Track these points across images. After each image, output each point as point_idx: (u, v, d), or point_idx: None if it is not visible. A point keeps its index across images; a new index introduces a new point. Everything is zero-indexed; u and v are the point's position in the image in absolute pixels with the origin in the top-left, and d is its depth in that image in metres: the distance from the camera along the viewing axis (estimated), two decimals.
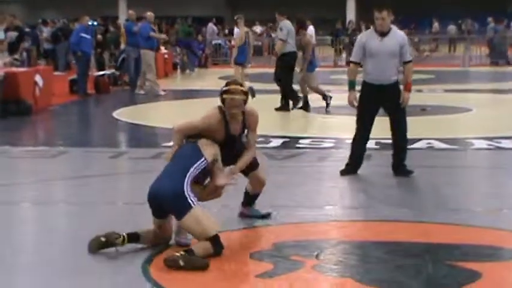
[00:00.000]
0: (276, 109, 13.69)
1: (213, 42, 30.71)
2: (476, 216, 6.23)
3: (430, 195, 7.13)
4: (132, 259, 5.03)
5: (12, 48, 17.52)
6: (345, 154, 9.50)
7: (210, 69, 27.78)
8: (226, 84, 5.37)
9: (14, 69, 14.50)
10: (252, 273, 4.72)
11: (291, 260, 5.00)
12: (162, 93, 16.89)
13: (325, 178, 8.14)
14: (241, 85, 5.40)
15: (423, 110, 13.98)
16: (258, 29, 34.68)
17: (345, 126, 12.42)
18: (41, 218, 6.49)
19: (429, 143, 9.86)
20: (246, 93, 5.35)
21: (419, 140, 10.06)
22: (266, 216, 5.87)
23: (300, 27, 13.98)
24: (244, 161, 5.47)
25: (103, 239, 5.11)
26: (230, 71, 26.82)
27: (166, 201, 5.06)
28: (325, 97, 13.90)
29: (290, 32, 13.66)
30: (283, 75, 13.76)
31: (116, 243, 5.09)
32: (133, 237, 5.20)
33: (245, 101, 5.35)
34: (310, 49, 13.81)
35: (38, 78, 14.17)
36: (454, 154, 9.41)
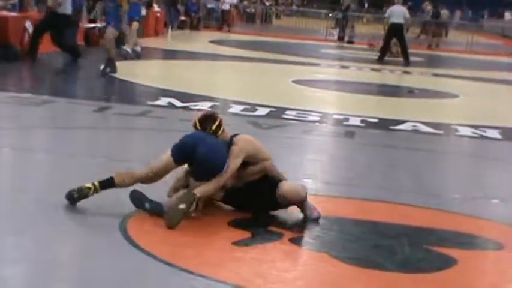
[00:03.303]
0: None
1: (208, 5, 30.48)
2: (455, 203, 6.21)
3: (411, 178, 7.09)
4: (110, 215, 4.95)
5: None
6: (329, 129, 9.47)
7: (201, 31, 27.57)
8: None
9: (5, 13, 14.26)
10: (229, 240, 4.66)
11: (269, 230, 4.95)
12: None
13: (308, 151, 8.09)
14: (198, 119, 5.27)
15: (410, 92, 13.96)
16: None
17: (331, 101, 12.38)
18: (18, 164, 6.38)
19: (414, 126, 9.82)
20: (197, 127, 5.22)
21: (405, 121, 10.02)
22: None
23: None
24: (207, 186, 5.03)
25: (75, 195, 5.03)
26: (221, 34, 26.72)
27: (208, 169, 4.98)
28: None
29: None
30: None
31: (88, 195, 5.03)
32: (106, 184, 5.09)
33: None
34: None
35: (28, 25, 13.95)
36: (438, 139, 9.38)
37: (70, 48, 14.04)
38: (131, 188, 5.12)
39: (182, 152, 5.07)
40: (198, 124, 5.25)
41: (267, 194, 5.22)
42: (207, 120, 5.28)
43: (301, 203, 5.27)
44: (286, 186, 5.21)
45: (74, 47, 14.28)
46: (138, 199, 5.09)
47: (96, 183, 5.10)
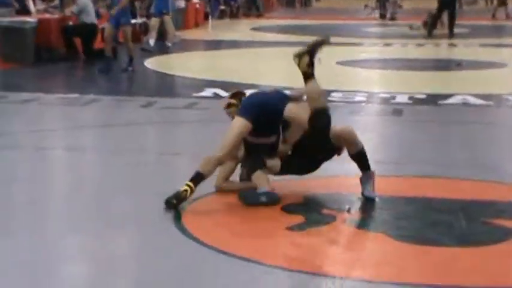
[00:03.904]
0: None
1: None
2: (511, 174, 6.11)
3: (464, 152, 7.00)
4: (164, 208, 5.00)
5: None
6: (376, 108, 9.40)
7: (241, 19, 27.57)
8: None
9: (48, 16, 14.46)
10: (283, 225, 4.67)
11: (322, 213, 4.95)
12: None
13: (357, 132, 8.02)
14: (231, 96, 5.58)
15: (458, 65, 13.75)
16: None
17: (377, 80, 12.28)
18: (71, 164, 6.49)
19: (464, 99, 9.68)
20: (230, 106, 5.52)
21: (454, 95, 9.89)
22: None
23: None
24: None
25: (174, 201, 4.99)
26: (261, 22, 26.68)
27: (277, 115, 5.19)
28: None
29: None
30: None
31: (186, 197, 5.02)
32: (198, 180, 5.09)
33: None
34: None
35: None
36: (489, 110, 9.24)
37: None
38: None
39: (253, 107, 5.20)
40: (232, 99, 5.47)
41: (318, 144, 5.24)
42: (238, 93, 5.54)
43: (359, 156, 5.26)
44: (338, 127, 5.24)
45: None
46: (251, 196, 5.12)
47: (190, 183, 5.05)
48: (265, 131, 5.27)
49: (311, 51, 5.14)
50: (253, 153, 5.30)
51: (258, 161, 5.25)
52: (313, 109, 5.09)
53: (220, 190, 5.36)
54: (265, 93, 5.53)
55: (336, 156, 5.40)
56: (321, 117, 5.08)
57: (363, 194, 5.26)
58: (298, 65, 5.15)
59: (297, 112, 5.18)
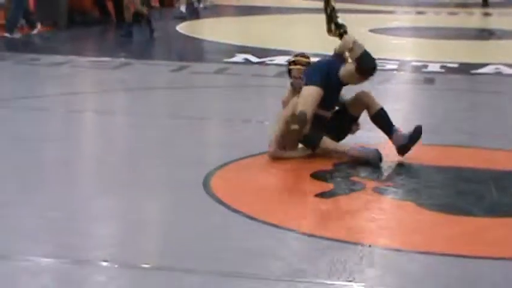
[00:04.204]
0: None
1: None
2: None
3: (496, 122, 6.90)
4: (193, 172, 5.01)
5: None
6: (408, 76, 9.30)
7: None
8: (296, 55, 5.62)
9: None
10: (312, 192, 4.65)
11: (351, 180, 4.92)
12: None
13: (387, 100, 7.94)
14: (306, 57, 5.63)
15: (491, 34, 13.55)
16: None
17: (409, 48, 12.14)
18: (101, 127, 6.51)
19: (497, 68, 9.54)
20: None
21: (487, 64, 9.75)
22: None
23: None
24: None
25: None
26: None
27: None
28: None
29: None
30: None
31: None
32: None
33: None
34: None
35: None
36: None
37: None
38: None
39: (322, 75, 5.29)
40: (300, 61, 5.51)
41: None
42: (303, 56, 5.60)
43: (381, 116, 5.40)
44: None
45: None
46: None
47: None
48: (327, 102, 5.35)
49: (330, 18, 5.49)
50: (314, 124, 5.30)
51: (318, 132, 5.30)
52: (355, 58, 5.29)
53: (274, 157, 5.29)
54: (328, 62, 5.50)
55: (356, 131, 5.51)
56: (365, 59, 5.29)
57: (400, 148, 5.32)
58: (336, 35, 5.47)
59: (346, 68, 5.34)
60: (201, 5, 15.86)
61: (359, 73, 5.28)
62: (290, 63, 5.61)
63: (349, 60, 5.37)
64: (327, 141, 5.32)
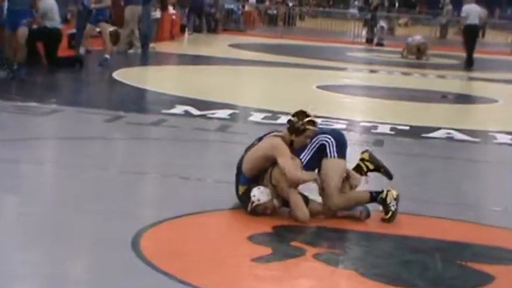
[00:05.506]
0: None
1: (226, 6, 30.55)
2: (494, 216, 6.18)
3: (445, 189, 7.07)
4: (123, 229, 4.99)
5: None
6: (357, 137, 9.46)
7: (220, 34, 27.68)
8: (306, 114, 5.66)
9: None
10: (248, 257, 4.68)
11: (292, 246, 4.97)
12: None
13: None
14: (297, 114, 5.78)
15: (444, 97, 13.91)
16: None
17: (359, 108, 12.37)
18: (27, 178, 6.44)
19: (448, 133, 9.79)
20: None
21: (438, 129, 10.00)
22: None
23: None
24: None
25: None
26: (241, 38, 26.81)
27: None
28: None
29: None
30: None
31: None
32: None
33: None
34: None
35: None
36: (475, 147, 9.35)
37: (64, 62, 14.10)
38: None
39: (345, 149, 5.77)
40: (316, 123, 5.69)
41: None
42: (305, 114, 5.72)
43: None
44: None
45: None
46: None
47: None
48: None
49: (377, 169, 5.99)
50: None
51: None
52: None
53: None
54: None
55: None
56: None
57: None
58: (365, 159, 5.98)
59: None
60: (106, 55, 15.87)
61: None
62: (308, 121, 5.61)
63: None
64: (314, 204, 5.56)
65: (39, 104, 9.86)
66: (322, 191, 5.56)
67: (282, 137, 5.62)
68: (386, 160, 8.26)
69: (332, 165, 5.57)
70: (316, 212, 5.56)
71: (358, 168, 5.90)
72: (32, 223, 5.11)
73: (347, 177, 5.72)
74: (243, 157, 5.65)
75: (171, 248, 4.81)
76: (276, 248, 4.89)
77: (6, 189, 5.98)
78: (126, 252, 4.61)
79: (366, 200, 5.69)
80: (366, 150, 6.08)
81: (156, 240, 4.92)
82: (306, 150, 5.62)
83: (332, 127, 5.75)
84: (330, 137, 5.67)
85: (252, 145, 5.69)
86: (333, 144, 5.62)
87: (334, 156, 5.59)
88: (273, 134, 5.73)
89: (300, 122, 5.57)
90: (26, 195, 5.91)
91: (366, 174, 5.92)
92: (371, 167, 5.94)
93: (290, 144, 5.58)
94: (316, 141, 5.63)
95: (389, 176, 5.94)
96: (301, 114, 5.62)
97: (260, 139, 5.70)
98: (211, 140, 8.69)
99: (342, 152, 5.64)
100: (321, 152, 5.63)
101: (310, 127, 5.59)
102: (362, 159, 5.96)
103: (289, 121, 5.64)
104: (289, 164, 5.43)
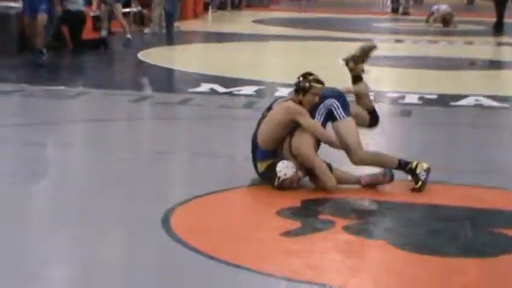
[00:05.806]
0: None
1: None
2: None
3: (474, 156, 7.05)
4: (153, 209, 5.06)
5: None
6: (384, 108, 9.43)
7: (243, 11, 27.61)
8: (310, 74, 5.80)
9: None
10: (277, 231, 4.72)
11: (320, 219, 5.00)
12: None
13: (362, 133, 8.07)
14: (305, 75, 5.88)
15: (472, 64, 13.79)
16: None
17: (385, 78, 12.31)
18: (56, 161, 6.53)
19: (477, 100, 9.73)
20: None
21: (467, 96, 9.93)
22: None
23: None
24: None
25: None
26: (265, 13, 26.73)
27: None
28: None
29: None
30: None
31: None
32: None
33: None
34: None
35: None
36: (504, 113, 9.28)
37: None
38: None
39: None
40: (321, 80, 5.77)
41: None
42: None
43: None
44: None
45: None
46: None
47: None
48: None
49: (364, 57, 6.12)
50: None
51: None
52: (368, 108, 6.01)
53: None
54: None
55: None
56: (375, 115, 6.05)
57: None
58: (351, 69, 6.07)
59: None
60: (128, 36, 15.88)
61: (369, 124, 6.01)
62: (313, 80, 5.74)
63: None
64: (337, 171, 5.65)
65: (66, 87, 9.95)
66: (346, 152, 5.73)
67: (292, 100, 5.73)
68: (415, 130, 8.28)
69: (343, 126, 5.72)
70: (341, 180, 5.60)
71: (356, 78, 6.06)
72: (62, 207, 5.19)
73: (358, 98, 5.99)
74: (256, 131, 5.70)
75: (201, 225, 4.86)
76: (304, 221, 4.92)
77: (36, 173, 6.07)
78: (157, 230, 4.67)
79: (392, 165, 5.74)
80: (343, 59, 6.13)
81: (186, 217, 4.98)
82: (317, 115, 5.70)
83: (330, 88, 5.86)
84: (334, 100, 5.75)
85: (263, 117, 5.74)
86: (338, 106, 5.74)
87: (343, 117, 5.72)
88: (281, 100, 5.86)
89: (305, 81, 5.70)
90: (56, 179, 5.99)
91: (363, 71, 6.12)
92: (360, 60, 6.12)
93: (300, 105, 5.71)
94: (324, 107, 5.73)
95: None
96: (305, 74, 5.79)
97: (269, 109, 5.76)
98: (238, 117, 8.72)
99: (347, 110, 5.77)
100: (329, 116, 5.74)
101: (315, 84, 5.71)
102: (350, 69, 6.10)
103: (295, 83, 5.75)
104: (313, 122, 5.62)
